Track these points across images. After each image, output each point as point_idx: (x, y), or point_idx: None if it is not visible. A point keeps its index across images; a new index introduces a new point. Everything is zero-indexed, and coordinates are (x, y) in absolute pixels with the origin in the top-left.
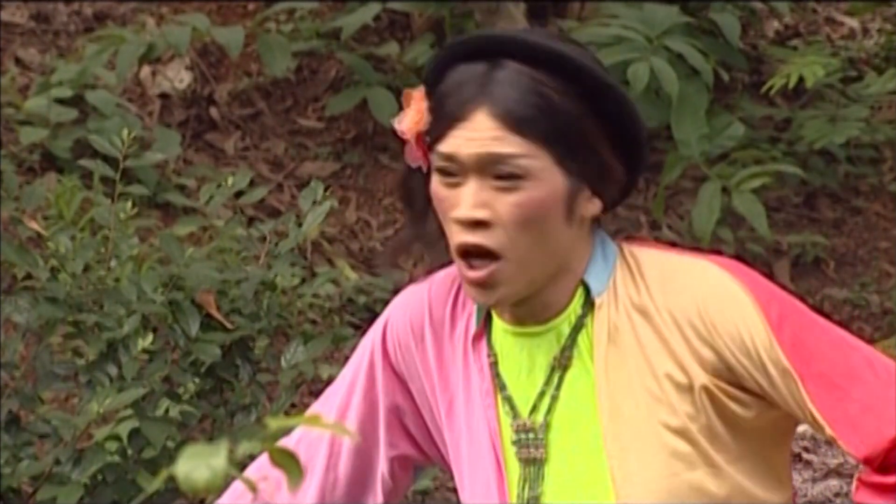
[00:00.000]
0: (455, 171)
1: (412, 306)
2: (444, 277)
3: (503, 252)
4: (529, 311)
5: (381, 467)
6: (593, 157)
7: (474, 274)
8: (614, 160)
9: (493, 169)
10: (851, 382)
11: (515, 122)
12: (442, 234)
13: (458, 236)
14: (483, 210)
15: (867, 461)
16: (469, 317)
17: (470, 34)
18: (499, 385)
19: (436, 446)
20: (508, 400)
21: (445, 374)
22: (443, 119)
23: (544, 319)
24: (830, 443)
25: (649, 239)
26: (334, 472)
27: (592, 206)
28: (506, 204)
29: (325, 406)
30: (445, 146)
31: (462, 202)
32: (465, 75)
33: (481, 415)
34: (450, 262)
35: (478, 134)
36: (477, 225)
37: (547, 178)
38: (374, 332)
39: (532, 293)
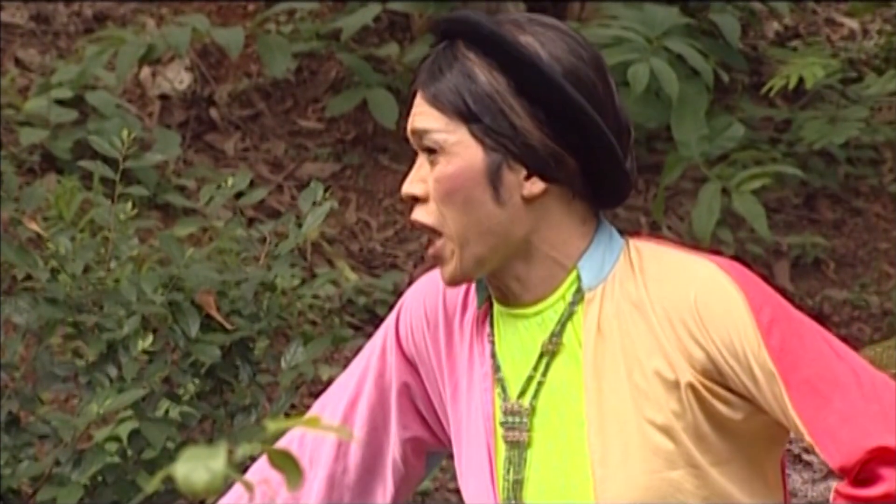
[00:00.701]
0: (416, 149)
1: (429, 291)
2: None
3: (439, 227)
4: (508, 291)
5: (393, 452)
6: (517, 136)
7: (429, 250)
8: (548, 140)
9: (421, 143)
10: (834, 391)
11: (433, 97)
12: None
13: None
14: (418, 185)
15: (842, 471)
16: None
17: (439, 17)
18: (495, 367)
19: (444, 430)
20: (501, 381)
21: (453, 358)
22: None
23: (528, 303)
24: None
25: (663, 237)
26: (344, 460)
27: (532, 187)
28: (431, 179)
29: (337, 394)
30: None
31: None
32: (426, 58)
33: (479, 397)
34: None
35: (413, 111)
36: (415, 200)
37: (462, 152)
38: (390, 317)
39: (496, 272)
